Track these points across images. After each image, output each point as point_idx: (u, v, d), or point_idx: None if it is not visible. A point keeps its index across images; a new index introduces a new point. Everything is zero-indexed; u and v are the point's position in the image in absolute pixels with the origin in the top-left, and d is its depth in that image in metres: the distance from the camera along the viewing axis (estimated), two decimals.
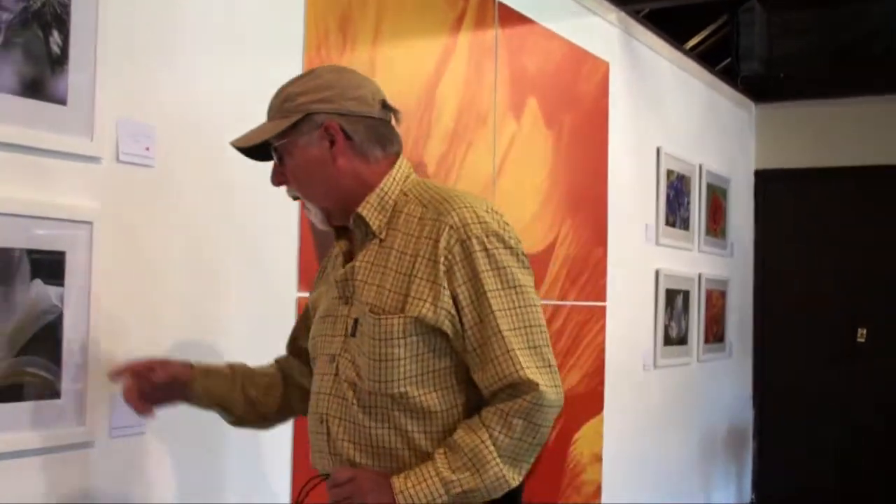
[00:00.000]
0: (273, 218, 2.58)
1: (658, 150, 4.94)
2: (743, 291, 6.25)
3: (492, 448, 1.68)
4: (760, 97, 6.37)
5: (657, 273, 4.90)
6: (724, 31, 5.99)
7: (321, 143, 1.81)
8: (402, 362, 1.71)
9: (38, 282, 2.03)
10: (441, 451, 1.71)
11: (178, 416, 2.32)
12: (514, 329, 1.72)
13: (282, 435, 2.59)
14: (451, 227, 1.73)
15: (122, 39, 2.21)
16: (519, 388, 1.70)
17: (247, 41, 2.54)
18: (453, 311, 1.71)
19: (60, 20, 2.09)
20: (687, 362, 5.31)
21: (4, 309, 1.97)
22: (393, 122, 1.89)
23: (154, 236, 2.28)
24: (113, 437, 2.20)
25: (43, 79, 2.05)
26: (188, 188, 2.34)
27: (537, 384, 1.69)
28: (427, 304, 1.71)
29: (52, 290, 2.06)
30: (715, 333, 5.71)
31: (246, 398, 2.04)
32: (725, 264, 5.90)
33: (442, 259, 1.71)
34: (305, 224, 2.65)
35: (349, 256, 1.88)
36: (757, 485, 6.36)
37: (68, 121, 2.08)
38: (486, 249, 1.73)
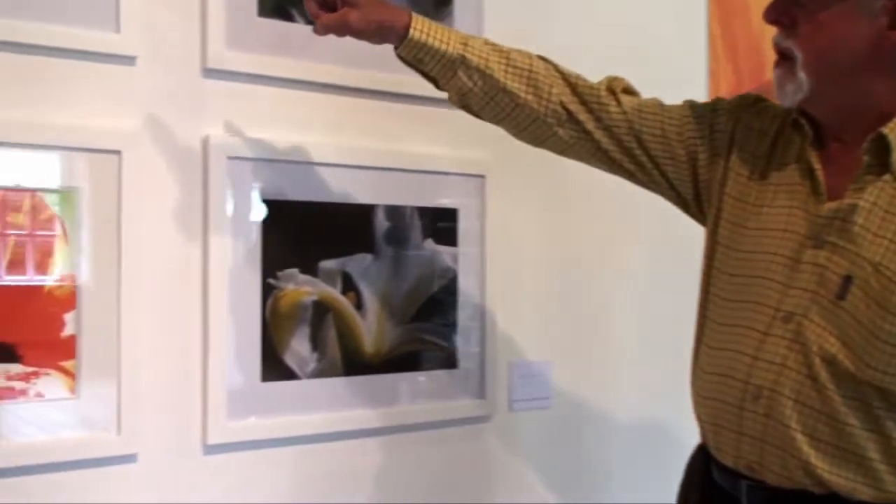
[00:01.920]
0: None
1: None
2: None
3: None
4: None
5: None
6: None
7: (877, 19, 1.31)
8: None
9: (430, 242, 1.87)
10: None
11: (584, 390, 2.10)
12: None
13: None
14: None
15: None
16: None
17: None
18: None
19: None
20: None
21: (397, 272, 1.83)
22: None
23: (544, 190, 2.05)
24: (513, 411, 2.00)
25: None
26: None
27: None
28: None
29: (445, 251, 1.89)
30: None
31: (458, 90, 1.53)
32: None
33: None
34: None
35: (837, 189, 1.38)
36: None
37: None
38: None
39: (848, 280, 1.29)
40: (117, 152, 1.53)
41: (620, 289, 2.17)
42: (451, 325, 1.90)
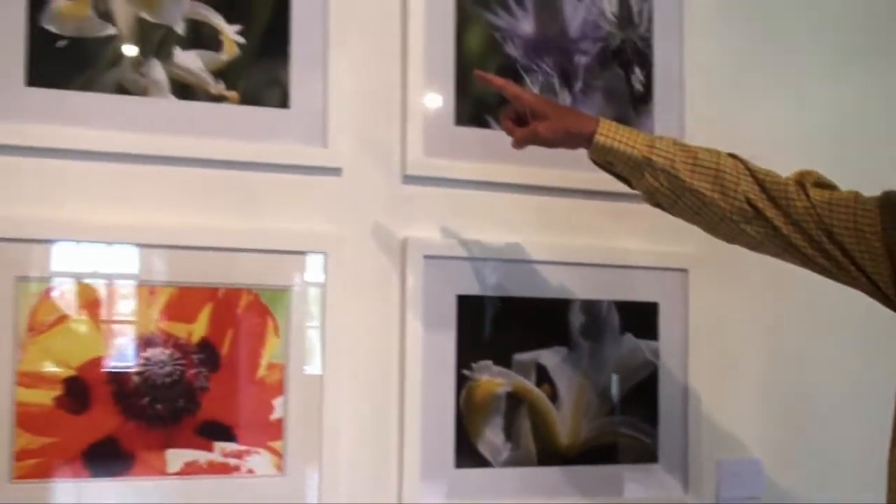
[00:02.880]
0: None
1: None
2: None
3: None
4: None
5: None
6: None
7: None
8: None
9: (629, 336, 1.90)
10: None
11: (800, 489, 2.00)
12: None
13: None
14: None
15: (710, 70, 2.02)
16: None
17: (859, 55, 2.17)
18: None
19: (642, 56, 1.97)
20: None
21: (594, 365, 1.87)
22: None
23: (752, 283, 2.01)
24: None
25: (627, 118, 1.93)
26: None
27: None
28: None
29: (644, 345, 1.91)
30: None
31: (646, 189, 1.54)
32: None
33: None
34: None
35: None
36: None
37: None
38: None
39: None
40: (321, 254, 1.70)
41: (836, 382, 2.07)
42: (652, 419, 1.90)
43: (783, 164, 1.58)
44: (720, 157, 1.53)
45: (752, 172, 1.53)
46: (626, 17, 1.96)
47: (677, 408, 1.92)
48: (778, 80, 2.09)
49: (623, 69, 1.95)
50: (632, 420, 1.89)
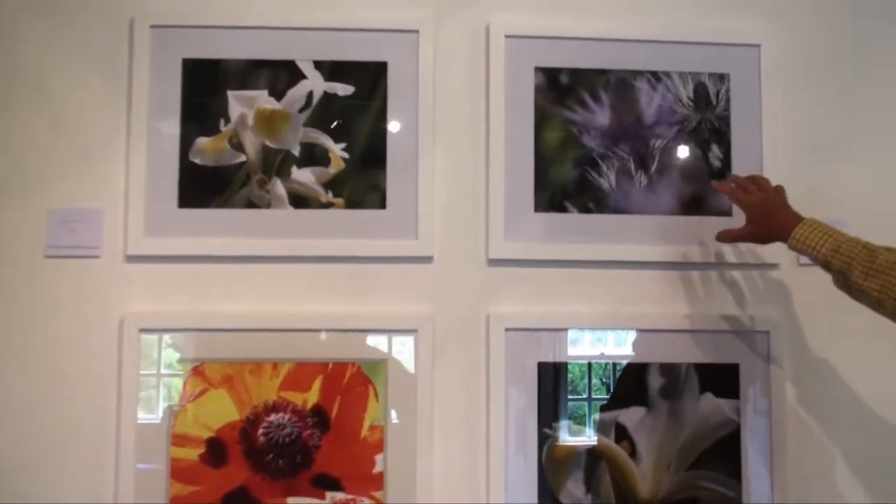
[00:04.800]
0: None
1: None
2: None
3: None
4: None
5: None
6: None
7: None
8: None
9: (708, 395, 2.04)
10: None
11: None
12: None
13: None
14: None
15: (789, 141, 2.12)
16: None
17: None
18: None
19: (720, 134, 2.11)
20: None
21: (672, 423, 2.03)
22: None
23: (829, 341, 2.09)
24: None
25: (704, 193, 2.08)
26: None
27: None
28: None
29: (724, 403, 2.04)
30: None
31: (832, 279, 1.76)
32: None
33: None
34: None
35: None
36: None
37: None
38: None
39: None
40: (413, 331, 2.00)
41: None
42: (736, 474, 2.02)
43: (865, 233, 1.73)
44: None
45: None
46: (702, 99, 2.11)
47: (762, 463, 2.03)
48: (856, 150, 2.14)
49: (700, 148, 2.10)
50: (713, 475, 2.02)
